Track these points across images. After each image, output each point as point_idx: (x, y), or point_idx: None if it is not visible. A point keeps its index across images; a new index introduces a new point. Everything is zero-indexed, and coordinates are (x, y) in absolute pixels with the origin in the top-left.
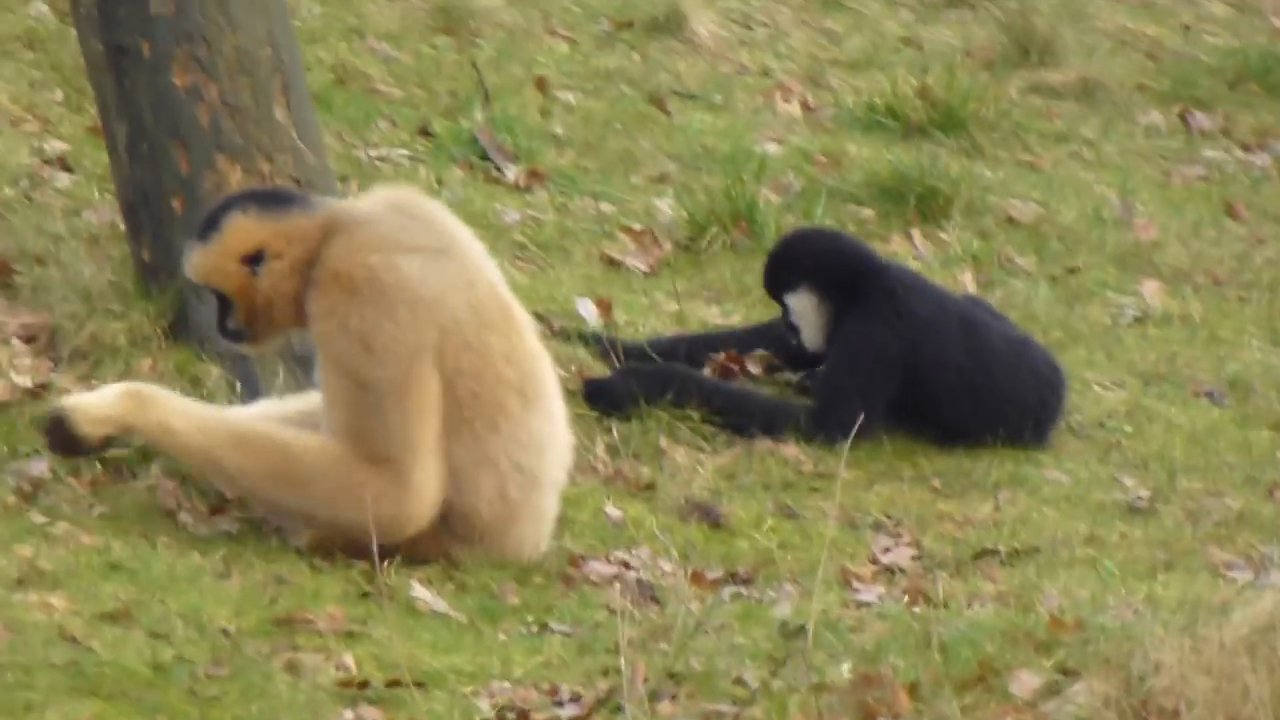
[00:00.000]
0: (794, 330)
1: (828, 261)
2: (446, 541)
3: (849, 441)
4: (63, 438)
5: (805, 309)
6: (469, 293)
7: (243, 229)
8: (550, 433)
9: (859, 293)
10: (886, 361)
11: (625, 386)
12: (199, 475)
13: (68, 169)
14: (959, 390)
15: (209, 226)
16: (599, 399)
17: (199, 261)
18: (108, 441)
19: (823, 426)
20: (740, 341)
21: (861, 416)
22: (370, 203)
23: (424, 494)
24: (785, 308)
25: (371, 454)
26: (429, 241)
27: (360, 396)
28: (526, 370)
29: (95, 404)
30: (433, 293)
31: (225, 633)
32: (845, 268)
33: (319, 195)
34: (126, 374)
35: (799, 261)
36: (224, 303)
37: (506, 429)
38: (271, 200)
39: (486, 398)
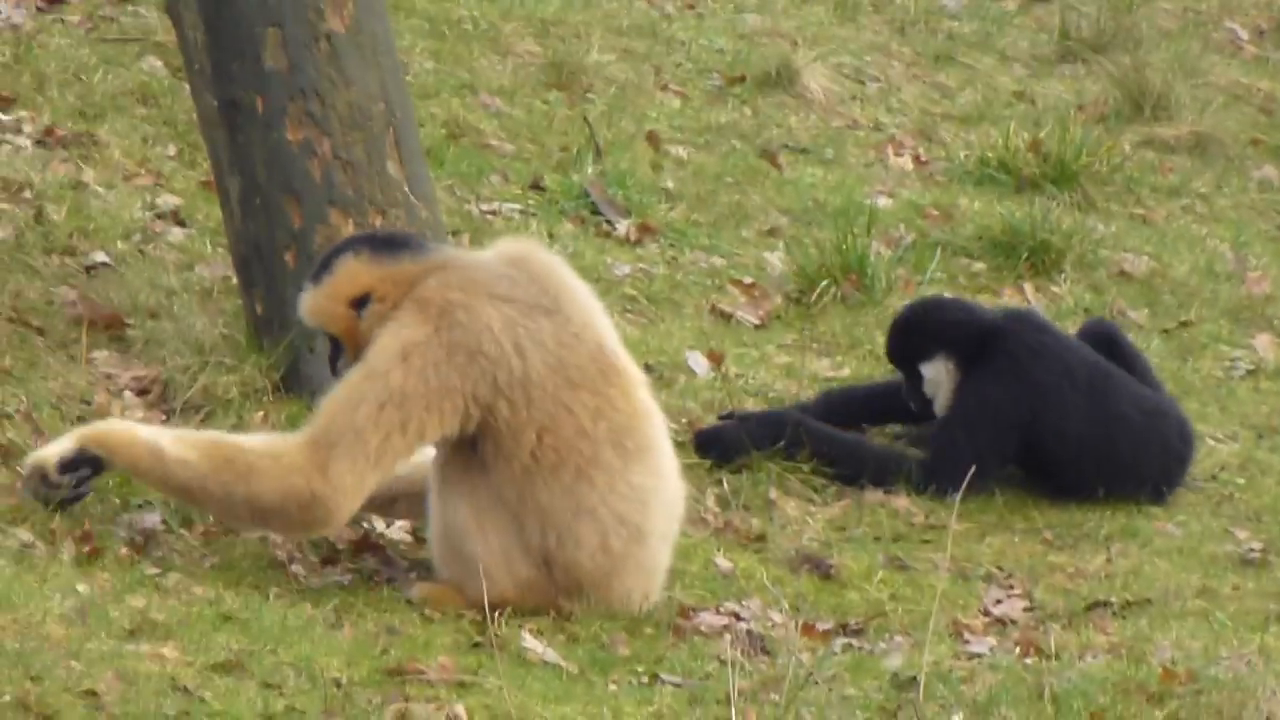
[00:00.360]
0: (925, 400)
1: (961, 329)
2: (552, 594)
3: (960, 494)
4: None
5: (941, 376)
6: (559, 352)
7: (352, 272)
8: (655, 486)
9: (984, 354)
10: (1004, 424)
11: (736, 435)
12: (152, 483)
13: (181, 223)
14: (1080, 456)
15: (322, 269)
16: (710, 448)
17: (310, 303)
18: (73, 464)
19: (935, 478)
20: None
21: (973, 470)
22: (489, 252)
23: (338, 489)
24: (919, 377)
25: (313, 434)
26: (527, 296)
27: (359, 382)
28: (625, 426)
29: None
30: (500, 349)
31: (337, 683)
32: (975, 333)
33: (437, 241)
34: (239, 426)
35: (934, 330)
36: (335, 344)
37: (603, 481)
38: (385, 245)
39: (566, 451)
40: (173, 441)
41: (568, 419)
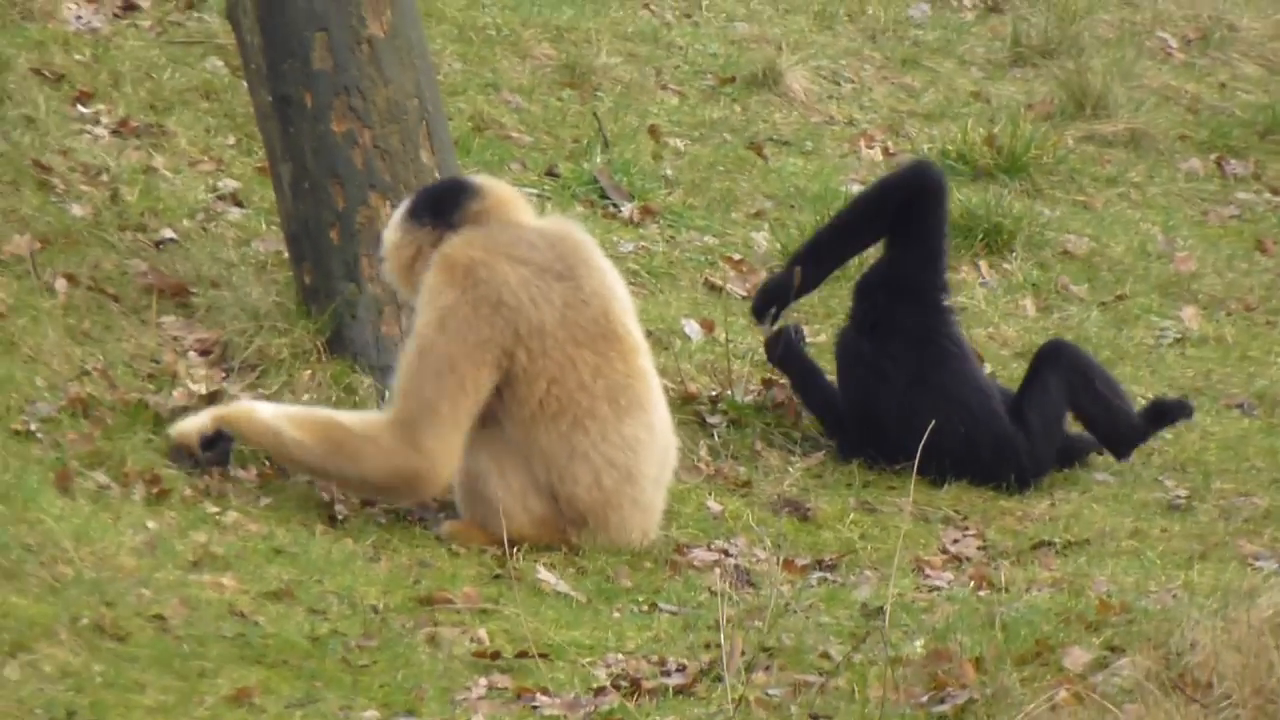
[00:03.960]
0: None
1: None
2: (562, 528)
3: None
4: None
5: None
6: (565, 311)
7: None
8: (645, 438)
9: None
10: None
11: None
12: (276, 458)
13: (239, 204)
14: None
15: (379, 243)
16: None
17: (385, 271)
18: (214, 439)
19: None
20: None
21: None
22: (530, 221)
23: (433, 458)
24: None
25: (399, 417)
26: (543, 261)
27: (416, 360)
28: (620, 385)
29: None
30: (519, 301)
31: (374, 609)
32: None
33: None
34: (289, 384)
35: None
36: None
37: (595, 431)
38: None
39: (567, 401)
40: (289, 423)
41: (571, 372)
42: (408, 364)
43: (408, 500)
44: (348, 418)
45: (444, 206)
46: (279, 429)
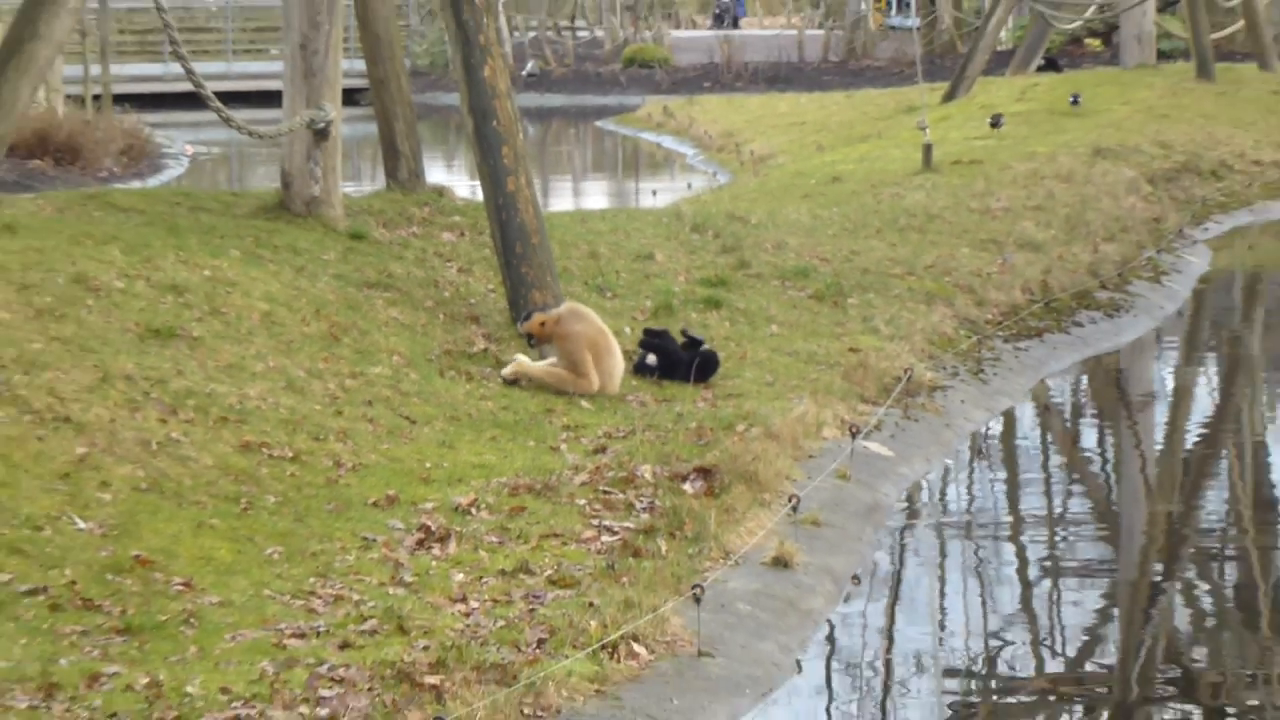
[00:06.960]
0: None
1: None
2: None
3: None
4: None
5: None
6: (591, 329)
7: (535, 319)
8: (614, 363)
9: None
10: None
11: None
12: (533, 383)
13: (492, 291)
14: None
15: (525, 317)
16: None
17: (522, 327)
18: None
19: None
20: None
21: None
22: (566, 307)
23: (595, 382)
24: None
25: (580, 373)
26: (579, 316)
27: (571, 363)
28: (606, 347)
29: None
30: (583, 332)
31: (530, 412)
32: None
33: (556, 305)
34: (513, 344)
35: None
36: (530, 338)
37: (605, 361)
38: (541, 308)
39: (598, 355)
40: (542, 373)
41: (599, 347)
42: (573, 360)
43: (586, 395)
44: (562, 373)
45: (546, 307)
46: (538, 377)
